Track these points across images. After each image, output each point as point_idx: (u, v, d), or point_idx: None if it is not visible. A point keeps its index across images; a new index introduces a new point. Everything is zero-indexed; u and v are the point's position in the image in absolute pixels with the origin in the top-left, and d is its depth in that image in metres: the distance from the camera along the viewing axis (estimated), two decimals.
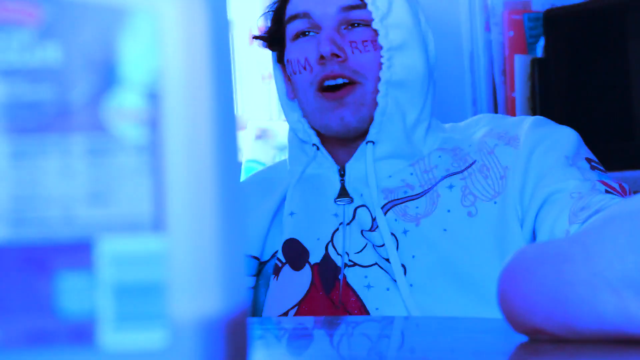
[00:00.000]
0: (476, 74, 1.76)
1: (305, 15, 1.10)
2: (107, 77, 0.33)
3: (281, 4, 1.15)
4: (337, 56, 1.07)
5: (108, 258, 0.33)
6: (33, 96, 0.33)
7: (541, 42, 1.75)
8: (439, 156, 1.11)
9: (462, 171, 1.09)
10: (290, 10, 1.12)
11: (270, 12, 1.17)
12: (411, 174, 1.10)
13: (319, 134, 1.14)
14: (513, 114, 1.73)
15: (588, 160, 1.06)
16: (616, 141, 1.62)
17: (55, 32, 0.33)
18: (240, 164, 0.38)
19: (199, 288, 0.33)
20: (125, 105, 0.33)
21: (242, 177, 2.02)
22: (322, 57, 1.07)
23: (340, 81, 1.08)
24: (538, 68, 1.72)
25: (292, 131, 1.16)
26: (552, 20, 1.70)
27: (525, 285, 0.57)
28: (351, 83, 1.08)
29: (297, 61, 1.11)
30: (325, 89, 1.09)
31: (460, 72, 1.76)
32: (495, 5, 1.78)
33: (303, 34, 1.11)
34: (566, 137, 1.07)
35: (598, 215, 0.59)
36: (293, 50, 1.12)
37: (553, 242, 0.58)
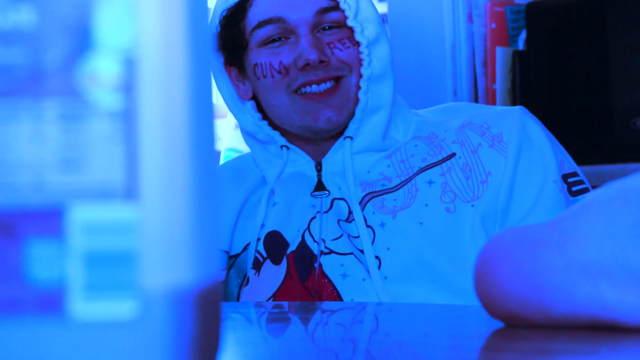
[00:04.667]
0: (458, 65, 1.76)
1: (279, 20, 1.09)
2: (81, 42, 0.33)
3: (237, 8, 1.13)
4: (323, 62, 1.07)
5: (79, 226, 0.32)
6: (5, 59, 0.33)
7: (523, 35, 1.76)
8: (415, 145, 1.11)
9: (440, 162, 1.09)
10: (259, 15, 1.10)
11: (222, 16, 1.14)
12: (388, 165, 1.10)
13: (282, 134, 1.13)
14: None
15: (567, 177, 1.08)
16: (595, 134, 1.62)
17: None
18: (215, 138, 0.37)
19: (170, 258, 0.32)
20: (100, 71, 0.33)
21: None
22: (307, 64, 1.07)
23: (323, 87, 1.08)
24: (519, 60, 1.73)
25: (248, 134, 1.15)
26: (534, 12, 1.71)
27: (502, 270, 0.57)
28: (336, 83, 1.08)
29: (270, 65, 1.09)
30: (306, 92, 1.08)
31: (441, 63, 1.77)
32: None
33: (274, 39, 1.10)
34: (549, 159, 1.08)
35: (578, 202, 0.59)
36: (263, 55, 1.10)
37: (530, 227, 0.59)
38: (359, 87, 1.09)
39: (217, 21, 1.13)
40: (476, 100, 1.77)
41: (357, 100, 1.09)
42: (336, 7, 1.09)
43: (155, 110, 0.33)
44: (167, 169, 0.33)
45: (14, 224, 0.32)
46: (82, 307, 0.32)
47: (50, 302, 0.32)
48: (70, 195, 0.33)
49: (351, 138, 1.10)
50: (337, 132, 1.11)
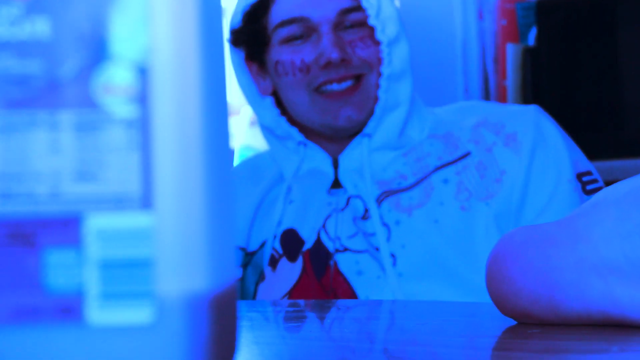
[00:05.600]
0: (468, 62, 1.76)
1: (303, 19, 1.09)
2: (96, 52, 0.33)
3: (259, 4, 1.13)
4: (344, 60, 1.07)
5: (95, 234, 0.33)
6: (21, 70, 0.33)
7: (533, 31, 1.75)
8: (431, 144, 1.11)
9: (455, 161, 1.09)
10: (282, 13, 1.10)
11: (244, 10, 1.14)
12: (404, 164, 1.10)
13: (300, 129, 1.13)
14: (505, 103, 1.72)
15: (581, 176, 1.07)
16: (606, 130, 1.62)
17: (44, 6, 0.33)
18: (230, 141, 0.37)
19: (185, 264, 0.32)
20: (115, 81, 0.33)
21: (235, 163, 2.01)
22: (329, 63, 1.07)
23: (344, 85, 1.08)
24: (530, 57, 1.72)
25: (266, 130, 1.16)
26: (544, 9, 1.70)
27: (513, 268, 0.57)
28: (357, 81, 1.08)
29: (292, 63, 1.09)
30: (327, 90, 1.08)
31: (452, 60, 1.76)
32: None
33: (295, 37, 1.10)
34: (563, 157, 1.08)
35: (589, 200, 0.59)
36: (285, 52, 1.10)
37: (541, 225, 0.58)
38: (378, 86, 1.09)
39: (239, 16, 1.13)
40: (487, 97, 1.77)
41: (376, 99, 1.10)
42: (358, 7, 1.09)
43: (169, 119, 0.33)
44: (181, 176, 0.33)
45: (32, 233, 0.33)
46: (100, 313, 0.32)
47: (68, 309, 0.32)
48: (86, 204, 0.33)
49: (369, 136, 1.10)
50: (356, 129, 1.11)
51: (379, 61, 1.09)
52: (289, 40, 1.10)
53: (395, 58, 1.09)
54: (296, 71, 1.09)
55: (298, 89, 1.10)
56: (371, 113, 1.10)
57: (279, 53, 1.11)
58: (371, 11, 1.09)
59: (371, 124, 1.10)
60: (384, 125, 1.10)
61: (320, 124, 1.10)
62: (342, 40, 1.09)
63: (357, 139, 1.11)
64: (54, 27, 0.33)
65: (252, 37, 1.13)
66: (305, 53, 1.09)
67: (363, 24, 1.10)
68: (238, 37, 1.14)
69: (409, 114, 1.12)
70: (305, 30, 1.09)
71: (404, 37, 1.11)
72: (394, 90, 1.10)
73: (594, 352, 0.46)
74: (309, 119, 1.11)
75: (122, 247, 0.32)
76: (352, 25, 1.09)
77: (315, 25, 1.09)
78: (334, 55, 1.06)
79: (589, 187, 1.08)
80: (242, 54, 1.15)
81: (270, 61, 1.12)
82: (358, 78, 1.09)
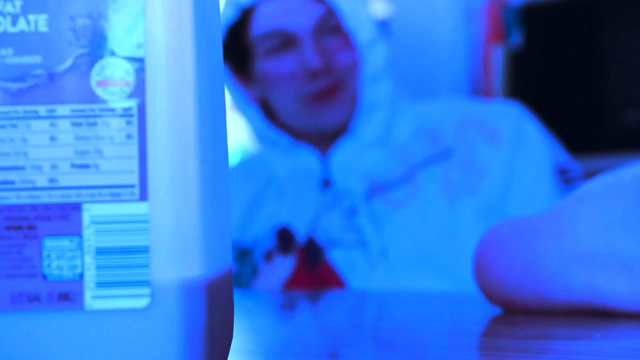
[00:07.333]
0: (454, 64, 1.76)
1: (281, 30, 1.08)
2: (93, 46, 0.32)
3: (243, 17, 1.12)
4: (325, 66, 1.07)
5: (92, 223, 0.32)
6: (19, 63, 0.32)
7: (519, 33, 1.75)
8: (416, 140, 1.12)
9: (439, 156, 1.09)
10: (262, 26, 1.10)
11: (227, 26, 1.14)
12: (391, 160, 1.11)
13: (289, 132, 1.13)
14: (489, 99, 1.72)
15: (562, 170, 1.07)
16: (587, 129, 1.62)
17: (42, 1, 0.32)
18: (227, 133, 0.37)
19: (181, 251, 0.32)
20: (111, 74, 0.32)
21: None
22: (312, 70, 1.07)
23: (327, 90, 1.08)
24: (515, 59, 1.72)
25: (256, 134, 1.16)
26: (529, 12, 1.70)
27: (500, 258, 0.56)
28: (339, 86, 1.08)
29: (276, 74, 1.09)
30: (312, 96, 1.09)
31: (438, 62, 1.76)
32: None
33: (278, 47, 1.09)
34: (544, 152, 1.08)
35: (571, 193, 0.59)
36: (269, 64, 1.10)
37: (525, 218, 0.58)
38: (360, 87, 1.10)
39: (223, 30, 1.13)
40: (474, 95, 1.77)
41: (358, 99, 1.10)
42: (333, 14, 1.09)
43: (164, 111, 0.32)
44: (177, 166, 0.32)
45: (32, 222, 0.32)
46: (97, 300, 0.32)
47: (66, 296, 0.32)
48: (84, 194, 0.32)
49: (355, 134, 1.11)
50: (342, 129, 1.12)
51: (359, 64, 1.10)
52: (270, 51, 1.09)
53: (372, 60, 1.10)
54: (281, 81, 1.09)
55: (284, 97, 1.10)
56: (354, 113, 1.11)
57: (262, 64, 1.11)
58: (346, 16, 1.09)
59: (355, 123, 1.10)
60: (369, 124, 1.11)
61: (307, 126, 1.11)
62: (322, 47, 1.08)
63: (344, 137, 1.11)
64: (52, 21, 0.32)
65: (236, 49, 1.13)
66: (288, 63, 1.09)
67: (340, 29, 1.10)
68: (224, 51, 1.14)
69: (392, 112, 1.12)
70: (286, 40, 1.09)
71: (380, 40, 1.11)
72: (374, 91, 1.10)
73: (577, 339, 0.46)
74: (297, 123, 1.11)
75: (119, 235, 0.32)
76: (331, 31, 1.09)
77: (294, 36, 1.08)
78: (316, 62, 1.06)
79: (569, 181, 1.08)
80: (229, 64, 1.15)
81: (255, 72, 1.12)
82: (340, 82, 1.09)
